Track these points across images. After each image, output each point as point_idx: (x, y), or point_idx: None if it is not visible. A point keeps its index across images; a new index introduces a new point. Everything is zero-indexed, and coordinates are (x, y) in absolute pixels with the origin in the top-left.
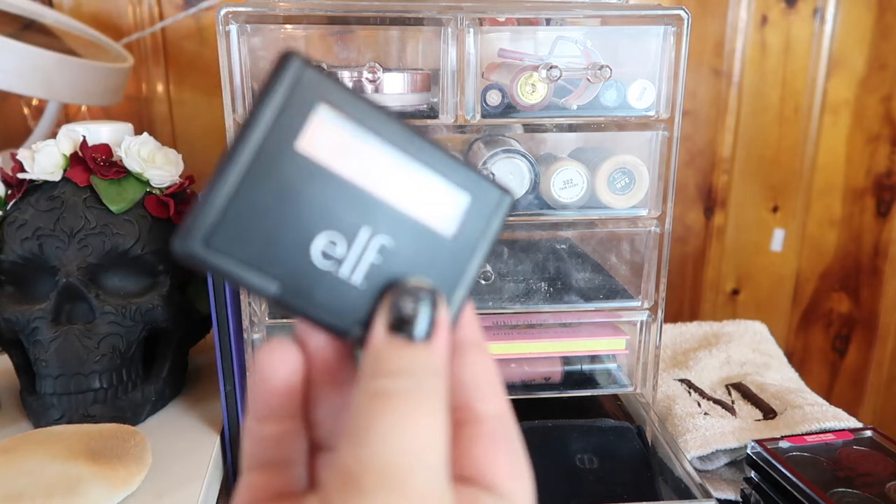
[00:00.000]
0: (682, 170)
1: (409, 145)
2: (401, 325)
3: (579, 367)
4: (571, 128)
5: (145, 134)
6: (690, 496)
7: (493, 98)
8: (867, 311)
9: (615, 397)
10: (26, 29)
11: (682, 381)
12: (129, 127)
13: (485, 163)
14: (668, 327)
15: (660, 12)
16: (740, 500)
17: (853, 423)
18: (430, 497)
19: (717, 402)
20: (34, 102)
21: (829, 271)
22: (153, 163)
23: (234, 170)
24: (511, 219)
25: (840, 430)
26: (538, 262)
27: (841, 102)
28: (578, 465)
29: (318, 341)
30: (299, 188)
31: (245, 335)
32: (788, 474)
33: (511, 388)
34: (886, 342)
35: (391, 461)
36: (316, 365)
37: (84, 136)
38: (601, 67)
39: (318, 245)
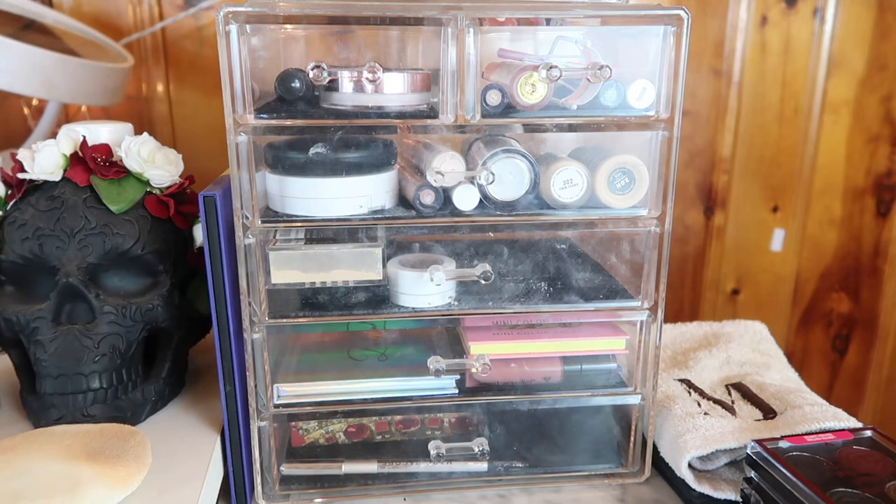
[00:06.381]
0: (682, 170)
1: None
2: None
3: (579, 367)
4: (571, 128)
5: (145, 134)
6: None
7: (493, 98)
8: (867, 311)
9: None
10: (26, 29)
11: (682, 381)
12: (129, 127)
13: (485, 163)
14: (668, 327)
15: (660, 12)
16: (740, 500)
17: (853, 423)
18: None
19: (717, 402)
20: (34, 102)
21: (829, 271)
22: (153, 163)
23: None
24: (511, 219)
25: (840, 430)
26: (538, 262)
27: (841, 102)
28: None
29: None
30: None
31: (245, 335)
32: (788, 474)
33: (511, 388)
34: (886, 342)
35: None
36: None
37: (84, 136)
38: (601, 67)
39: None
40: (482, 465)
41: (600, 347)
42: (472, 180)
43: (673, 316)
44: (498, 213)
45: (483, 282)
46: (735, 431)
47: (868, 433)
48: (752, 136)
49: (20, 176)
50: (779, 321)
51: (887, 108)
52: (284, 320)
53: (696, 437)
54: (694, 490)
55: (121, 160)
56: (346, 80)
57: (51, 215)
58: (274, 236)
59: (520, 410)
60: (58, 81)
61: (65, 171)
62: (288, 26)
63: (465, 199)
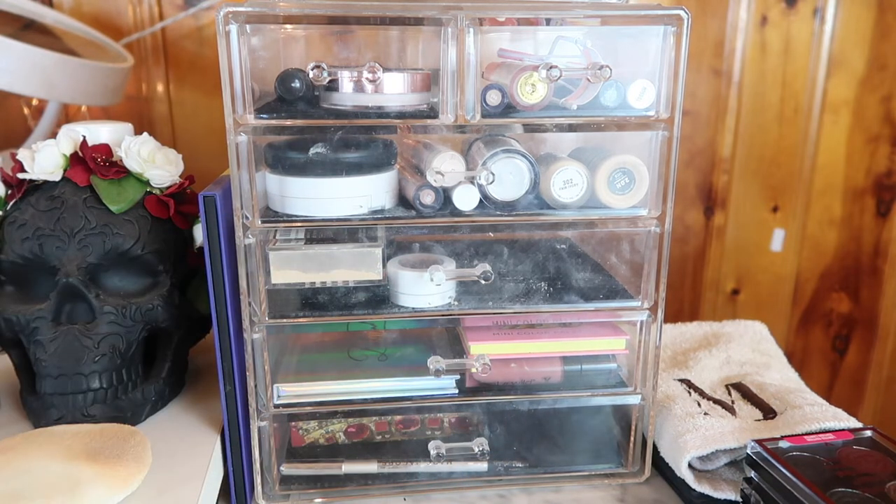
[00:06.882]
0: (682, 170)
1: None
2: None
3: (579, 367)
4: (571, 128)
5: (145, 134)
6: None
7: (493, 98)
8: (867, 311)
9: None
10: (26, 29)
11: (682, 381)
12: (129, 127)
13: (485, 163)
14: (668, 327)
15: (660, 12)
16: (740, 500)
17: (853, 423)
18: None
19: (717, 402)
20: (34, 102)
21: (829, 271)
22: (153, 163)
23: None
24: (511, 219)
25: (840, 430)
26: (538, 262)
27: (841, 102)
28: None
29: None
30: None
31: (245, 335)
32: (788, 474)
33: (511, 388)
34: (886, 342)
35: None
36: None
37: (84, 136)
38: (601, 67)
39: None
40: (482, 465)
41: (600, 347)
42: (472, 180)
43: (673, 316)
44: (498, 213)
45: (483, 282)
46: (735, 431)
47: (868, 433)
48: (752, 136)
49: (20, 176)
50: (779, 321)
51: (887, 108)
52: (284, 320)
53: (696, 437)
54: (694, 490)
55: (121, 160)
56: (346, 80)
57: (51, 215)
58: (274, 236)
59: (520, 410)
60: (58, 81)
61: (65, 171)
62: (288, 26)
63: (465, 199)
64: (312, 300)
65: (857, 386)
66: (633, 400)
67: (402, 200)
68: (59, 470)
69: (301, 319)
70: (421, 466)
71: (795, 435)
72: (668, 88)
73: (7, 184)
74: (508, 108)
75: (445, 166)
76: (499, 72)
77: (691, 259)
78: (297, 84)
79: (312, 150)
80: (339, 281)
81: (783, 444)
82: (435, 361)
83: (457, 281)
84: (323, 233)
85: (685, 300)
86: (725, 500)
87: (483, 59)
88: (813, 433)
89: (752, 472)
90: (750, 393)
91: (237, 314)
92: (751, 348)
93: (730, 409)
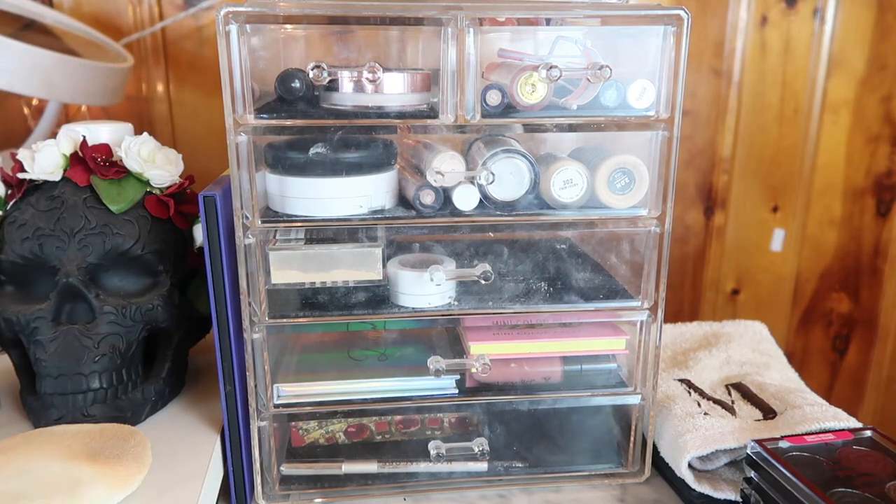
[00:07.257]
0: (682, 170)
1: None
2: None
3: (579, 367)
4: (571, 128)
5: (145, 134)
6: None
7: (493, 98)
8: (867, 311)
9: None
10: (26, 29)
11: (682, 381)
12: (129, 127)
13: (485, 163)
14: (668, 327)
15: (660, 12)
16: (740, 500)
17: (853, 423)
18: None
19: (717, 402)
20: (34, 102)
21: (829, 271)
22: (153, 163)
23: None
24: (511, 219)
25: (840, 430)
26: (538, 262)
27: (841, 102)
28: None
29: None
30: None
31: (245, 335)
32: (788, 474)
33: (511, 388)
34: (886, 342)
35: None
36: None
37: (84, 136)
38: (601, 67)
39: None
40: (482, 465)
41: (600, 347)
42: (472, 180)
43: (673, 316)
44: (498, 213)
45: (483, 282)
46: (735, 431)
47: (868, 433)
48: (752, 136)
49: (20, 176)
50: (779, 321)
51: (887, 108)
52: (284, 320)
53: (696, 437)
54: (694, 490)
55: (121, 160)
56: (346, 80)
57: (51, 215)
58: (274, 236)
59: (520, 410)
60: (58, 81)
61: (65, 171)
62: (288, 26)
63: (465, 199)
64: (312, 300)
65: (857, 386)
66: (633, 400)
67: (402, 200)
68: (59, 470)
69: (301, 319)
70: (421, 466)
71: (795, 435)
72: (668, 88)
73: (7, 184)
74: (508, 108)
75: (445, 166)
76: (499, 72)
77: (691, 259)
78: (297, 84)
79: (312, 150)
80: (339, 281)
81: (783, 444)
82: (435, 361)
83: (457, 281)
84: (323, 233)
85: (685, 300)
86: (725, 500)
87: (483, 59)
88: (813, 433)
89: (752, 472)
90: (750, 393)
91: (237, 314)
92: (751, 348)
93: (730, 409)
